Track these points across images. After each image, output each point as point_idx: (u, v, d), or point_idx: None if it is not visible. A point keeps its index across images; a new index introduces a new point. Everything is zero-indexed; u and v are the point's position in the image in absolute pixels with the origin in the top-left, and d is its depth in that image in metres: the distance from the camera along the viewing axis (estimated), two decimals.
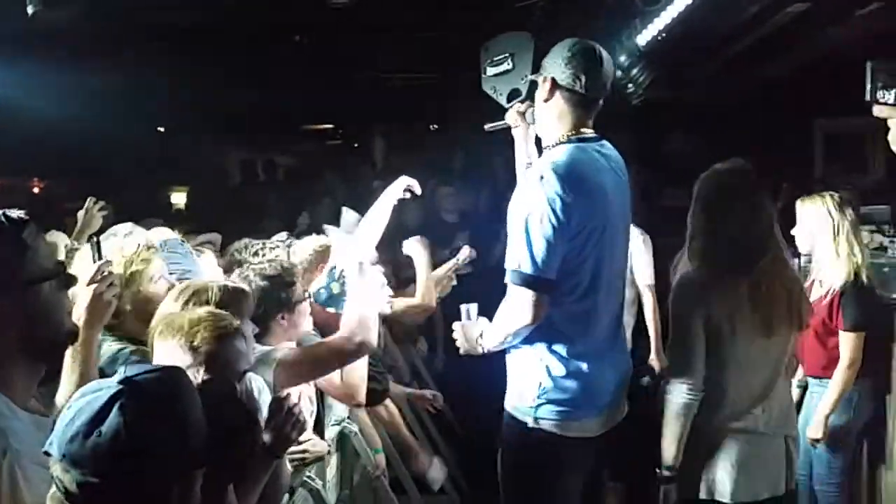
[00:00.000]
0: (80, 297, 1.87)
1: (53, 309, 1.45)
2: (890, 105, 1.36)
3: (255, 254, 2.89)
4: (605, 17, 4.26)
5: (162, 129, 7.23)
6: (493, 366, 2.47)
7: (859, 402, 3.28)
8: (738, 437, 2.40)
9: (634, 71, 4.60)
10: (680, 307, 2.43)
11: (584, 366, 2.29)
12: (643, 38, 4.26)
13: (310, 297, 2.63)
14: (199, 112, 6.38)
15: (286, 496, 2.33)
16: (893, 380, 3.38)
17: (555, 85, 2.29)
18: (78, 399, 1.17)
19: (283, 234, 3.38)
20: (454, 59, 5.43)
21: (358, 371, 2.74)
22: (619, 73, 4.54)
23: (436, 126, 8.34)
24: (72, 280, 1.54)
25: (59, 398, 1.77)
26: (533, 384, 2.32)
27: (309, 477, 2.64)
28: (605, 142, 2.36)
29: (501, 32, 4.51)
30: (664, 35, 4.04)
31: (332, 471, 3.05)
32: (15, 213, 1.42)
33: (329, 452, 2.81)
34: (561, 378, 2.29)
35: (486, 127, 2.73)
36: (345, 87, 6.47)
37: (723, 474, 2.39)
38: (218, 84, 5.90)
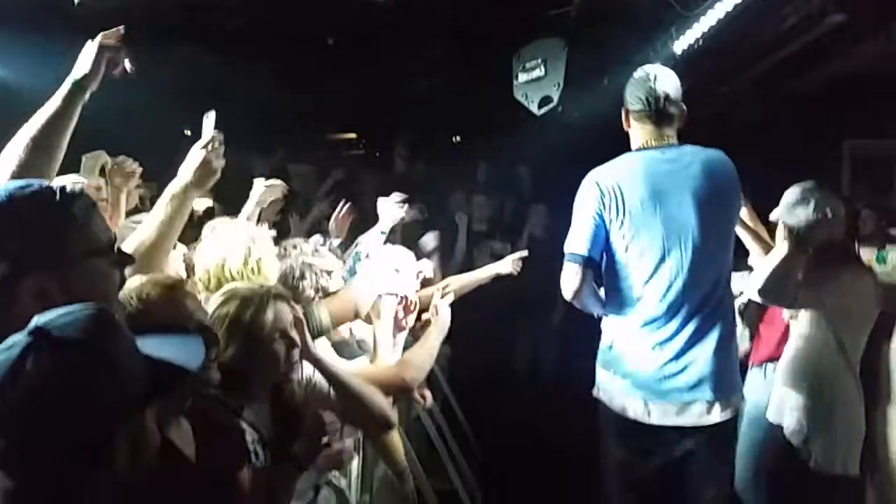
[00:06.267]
0: (189, 158, 1.94)
1: (100, 287, 1.36)
2: None
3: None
4: (640, 25, 4.22)
5: (189, 133, 7.22)
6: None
7: None
8: None
9: None
10: None
11: (640, 341, 2.49)
12: (679, 46, 4.19)
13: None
14: (226, 116, 6.36)
15: (311, 493, 2.30)
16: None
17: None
18: None
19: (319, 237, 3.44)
20: (482, 68, 5.40)
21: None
22: None
23: (458, 138, 8.31)
24: (127, 258, 1.45)
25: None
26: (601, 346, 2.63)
27: (333, 476, 2.60)
28: (674, 148, 2.56)
29: (534, 39, 4.51)
30: (700, 43, 3.98)
31: (353, 473, 3.00)
32: (69, 186, 1.36)
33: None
34: (614, 344, 2.56)
35: None
36: (369, 96, 6.42)
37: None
38: (244, 88, 5.88)
